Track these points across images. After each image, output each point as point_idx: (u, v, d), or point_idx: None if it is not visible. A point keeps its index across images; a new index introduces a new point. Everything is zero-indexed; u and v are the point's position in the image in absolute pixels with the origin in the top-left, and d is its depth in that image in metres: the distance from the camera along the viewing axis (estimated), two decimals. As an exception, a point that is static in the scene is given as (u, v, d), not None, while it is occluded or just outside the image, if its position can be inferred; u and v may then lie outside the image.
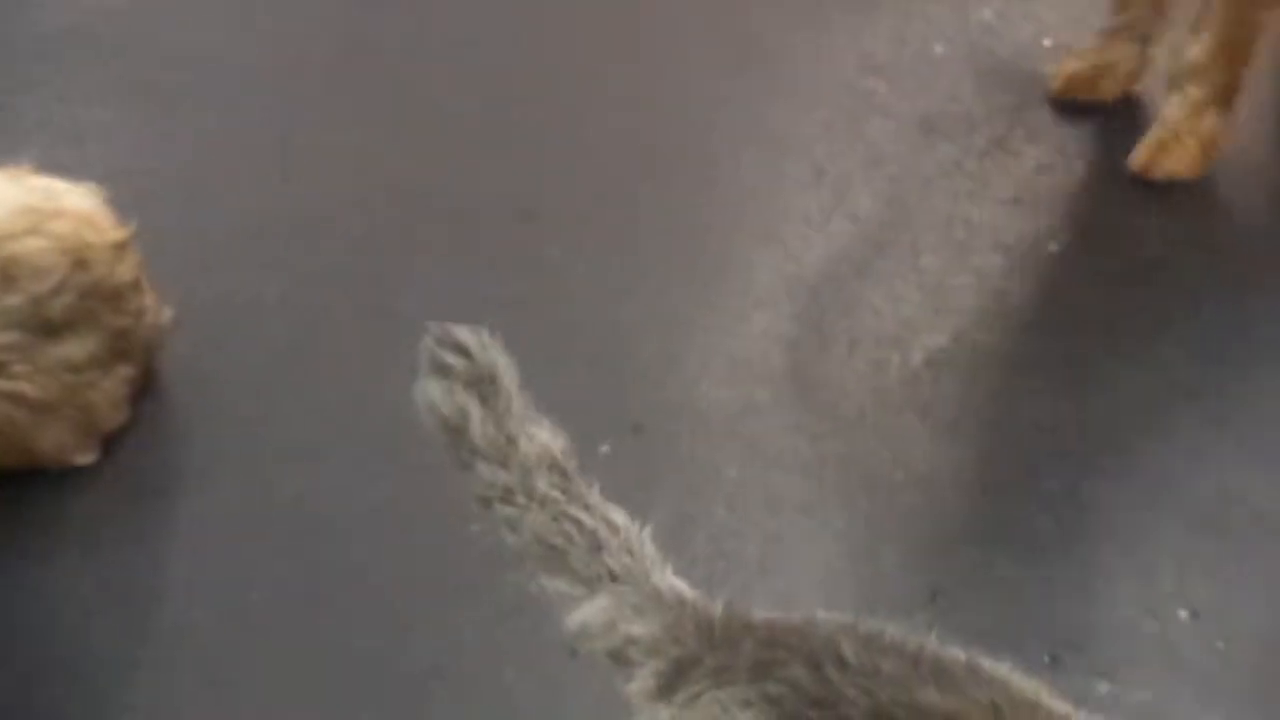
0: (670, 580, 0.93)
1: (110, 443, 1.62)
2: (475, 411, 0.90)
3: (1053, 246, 2.07)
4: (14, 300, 1.38)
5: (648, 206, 2.16)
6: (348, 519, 1.63)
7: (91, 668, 1.50)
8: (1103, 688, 1.46)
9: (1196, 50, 2.01)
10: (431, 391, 0.92)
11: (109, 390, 1.51)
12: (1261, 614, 1.60)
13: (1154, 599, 1.59)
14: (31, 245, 1.36)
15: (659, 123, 2.31)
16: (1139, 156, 2.06)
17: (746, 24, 2.49)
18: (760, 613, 0.93)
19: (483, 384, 0.91)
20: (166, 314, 1.65)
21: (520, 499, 0.91)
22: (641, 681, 0.89)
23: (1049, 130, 2.21)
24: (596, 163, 2.24)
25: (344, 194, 2.17)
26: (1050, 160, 2.18)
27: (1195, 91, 2.01)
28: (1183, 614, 1.56)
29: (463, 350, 0.92)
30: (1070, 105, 2.21)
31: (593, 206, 2.17)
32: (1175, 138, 2.04)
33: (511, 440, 0.91)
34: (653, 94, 2.36)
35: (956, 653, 0.85)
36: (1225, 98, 2.01)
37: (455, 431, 0.91)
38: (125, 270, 1.52)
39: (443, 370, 0.92)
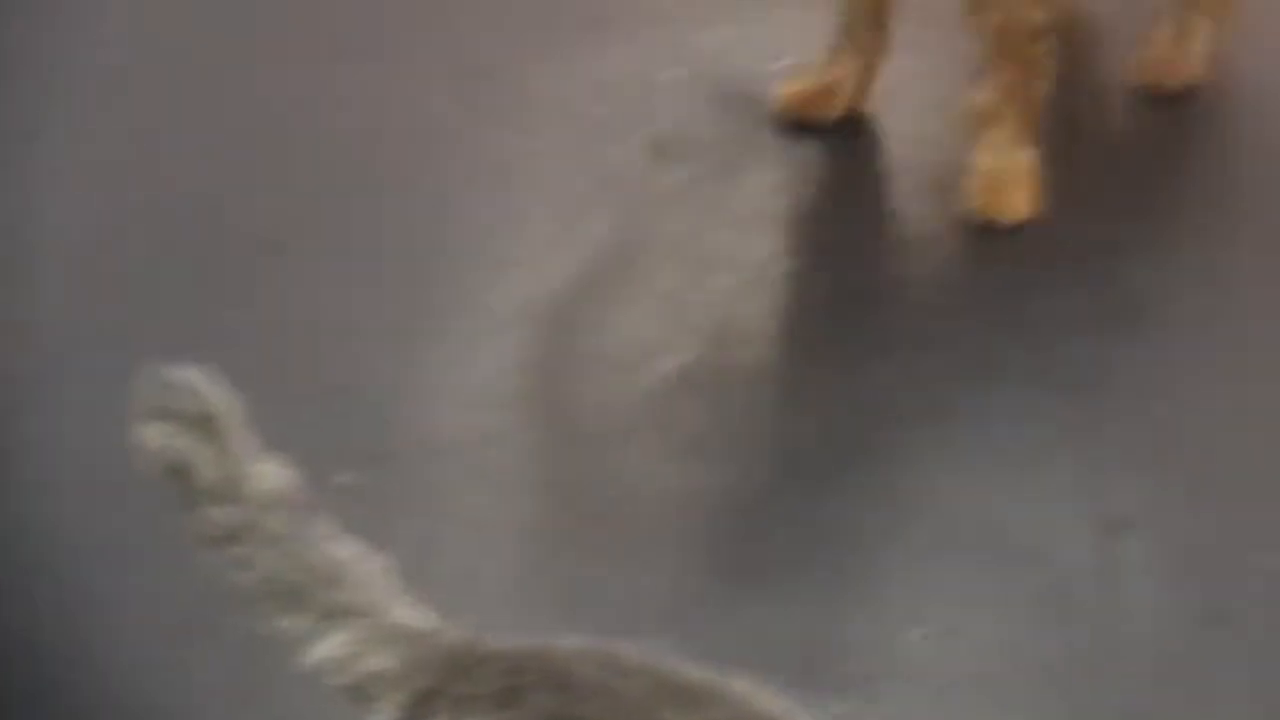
0: (410, 612, 0.91)
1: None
2: (197, 453, 0.88)
3: (786, 266, 2.14)
4: None
5: (388, 237, 2.16)
6: (79, 554, 1.64)
7: None
8: (841, 706, 1.49)
9: (985, 96, 2.08)
10: (150, 436, 0.89)
11: None
12: (992, 632, 1.67)
13: (891, 618, 1.65)
14: None
15: (395, 153, 2.32)
16: (978, 206, 2.10)
17: (476, 51, 2.49)
18: (502, 640, 0.92)
19: (204, 424, 0.89)
20: None
21: (249, 538, 0.89)
22: (383, 716, 0.87)
23: (778, 152, 2.28)
24: (337, 194, 2.23)
25: (85, 220, 2.14)
26: (779, 181, 2.25)
27: (998, 134, 2.08)
28: (919, 632, 1.61)
29: (180, 392, 0.89)
30: (797, 126, 2.28)
31: (334, 238, 2.15)
32: (1000, 183, 2.09)
33: (236, 481, 0.88)
34: (389, 124, 2.37)
35: (697, 673, 0.86)
36: (1027, 133, 2.08)
37: (179, 475, 0.89)
38: None
39: (160, 413, 0.89)
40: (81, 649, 1.55)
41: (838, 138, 2.29)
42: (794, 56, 2.36)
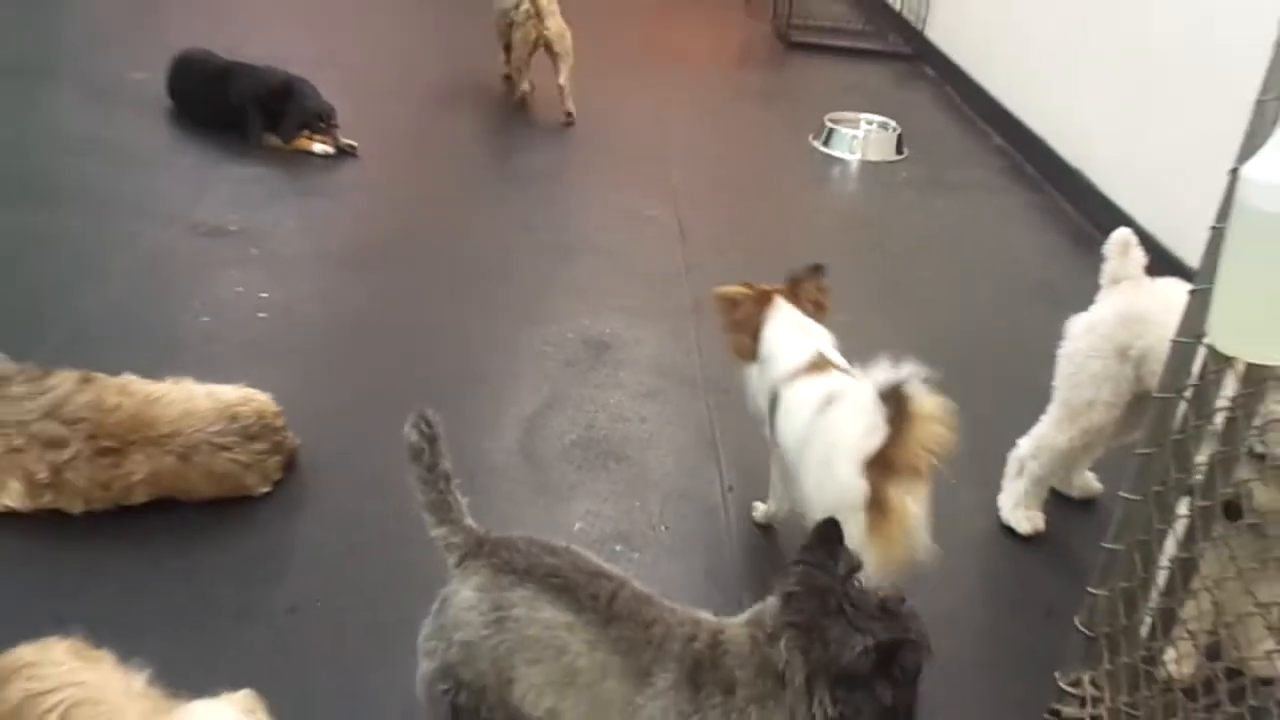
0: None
1: (274, 485, 2.67)
2: (427, 451, 1.75)
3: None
4: (239, 425, 2.57)
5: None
6: (403, 527, 2.05)
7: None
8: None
9: None
10: (410, 436, 1.73)
11: (272, 465, 2.65)
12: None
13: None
14: (245, 408, 2.55)
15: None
16: None
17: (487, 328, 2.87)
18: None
19: (433, 442, 1.75)
20: (294, 437, 2.75)
21: (429, 485, 1.77)
22: (451, 552, 1.77)
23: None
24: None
25: (395, 371, 3.19)
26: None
27: None
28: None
29: (425, 422, 1.74)
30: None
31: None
32: None
33: (432, 462, 1.76)
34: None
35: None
36: None
37: (417, 456, 1.75)
38: (277, 419, 2.67)
39: (416, 426, 1.74)
40: (402, 592, 2.18)
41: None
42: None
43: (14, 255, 3.57)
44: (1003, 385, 3.41)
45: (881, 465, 2.07)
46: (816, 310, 2.58)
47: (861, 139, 5.46)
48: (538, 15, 5.27)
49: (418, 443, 1.72)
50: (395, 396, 3.05)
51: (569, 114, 5.36)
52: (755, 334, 2.54)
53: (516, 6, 5.30)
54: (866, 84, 6.60)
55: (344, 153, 4.69)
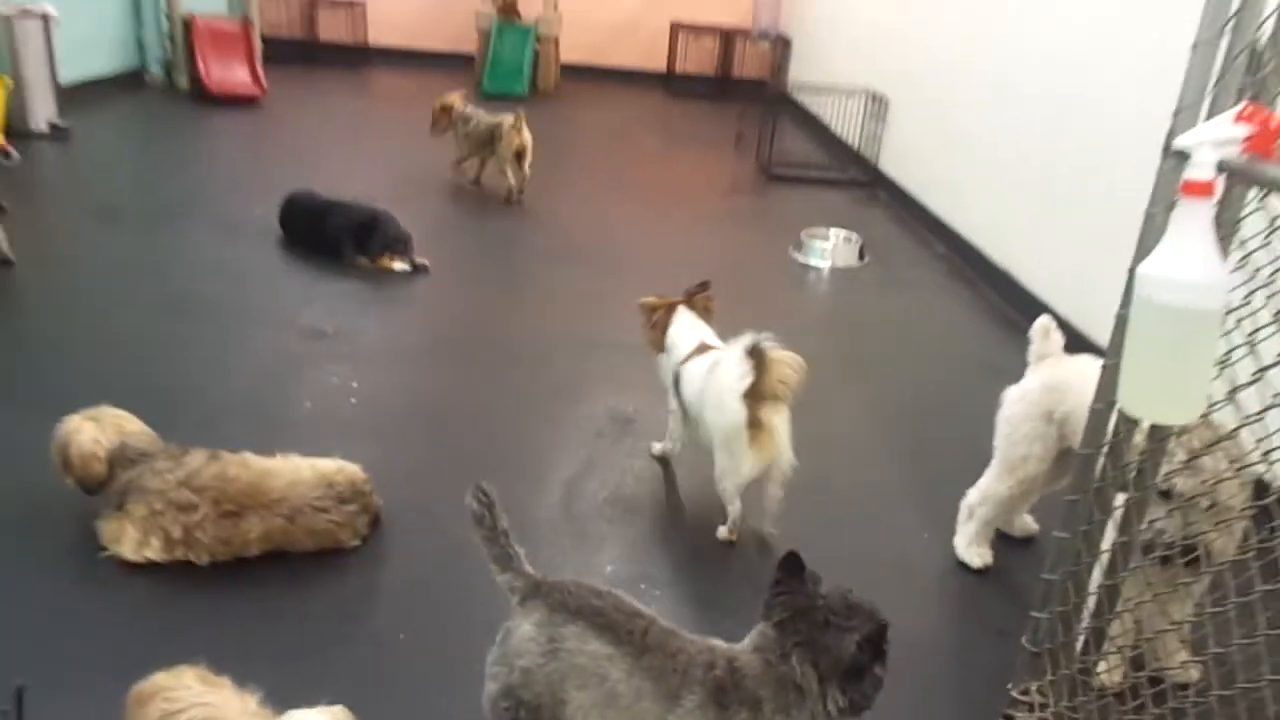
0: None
1: (363, 540, 2.64)
2: (486, 515, 1.75)
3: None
4: (335, 490, 2.55)
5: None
6: (470, 573, 2.24)
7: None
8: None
9: None
10: (471, 505, 1.76)
11: (361, 523, 2.62)
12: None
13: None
14: (339, 476, 2.52)
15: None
16: None
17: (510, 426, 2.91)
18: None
19: (490, 508, 1.74)
20: (379, 500, 2.71)
21: (492, 541, 1.77)
22: (514, 593, 1.77)
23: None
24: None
25: (460, 444, 3.22)
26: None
27: None
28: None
29: (483, 493, 1.74)
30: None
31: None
32: None
33: (492, 523, 1.77)
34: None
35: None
36: None
37: (479, 521, 1.74)
38: (365, 485, 2.63)
39: (475, 497, 1.74)
40: (473, 635, 2.12)
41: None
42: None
43: (161, 357, 3.60)
44: (953, 444, 3.38)
45: (753, 397, 2.61)
46: (706, 314, 3.05)
47: (830, 249, 5.48)
48: (517, 129, 5.93)
49: (478, 510, 1.74)
50: (461, 464, 3.05)
51: (522, 192, 6.04)
52: (664, 331, 3.00)
53: (500, 125, 5.99)
54: (833, 206, 6.65)
55: (418, 269, 4.72)
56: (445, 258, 4.88)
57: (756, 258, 5.56)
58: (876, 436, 3.47)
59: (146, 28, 8.31)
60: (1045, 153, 4.70)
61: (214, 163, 6.62)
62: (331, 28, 10.86)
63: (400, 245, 4.75)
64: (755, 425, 2.62)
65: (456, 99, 6.42)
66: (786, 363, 2.63)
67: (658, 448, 3.17)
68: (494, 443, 3.20)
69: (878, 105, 7.18)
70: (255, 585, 2.42)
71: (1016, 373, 2.68)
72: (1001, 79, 5.30)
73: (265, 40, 9.05)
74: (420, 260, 4.75)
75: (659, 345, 3.01)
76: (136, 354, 3.61)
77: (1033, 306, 4.38)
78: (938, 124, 6.19)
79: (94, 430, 2.52)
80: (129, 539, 2.42)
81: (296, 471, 2.55)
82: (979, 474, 2.74)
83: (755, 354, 2.59)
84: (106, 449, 2.50)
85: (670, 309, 3.01)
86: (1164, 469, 1.90)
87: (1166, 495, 1.91)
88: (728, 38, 11.16)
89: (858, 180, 7.32)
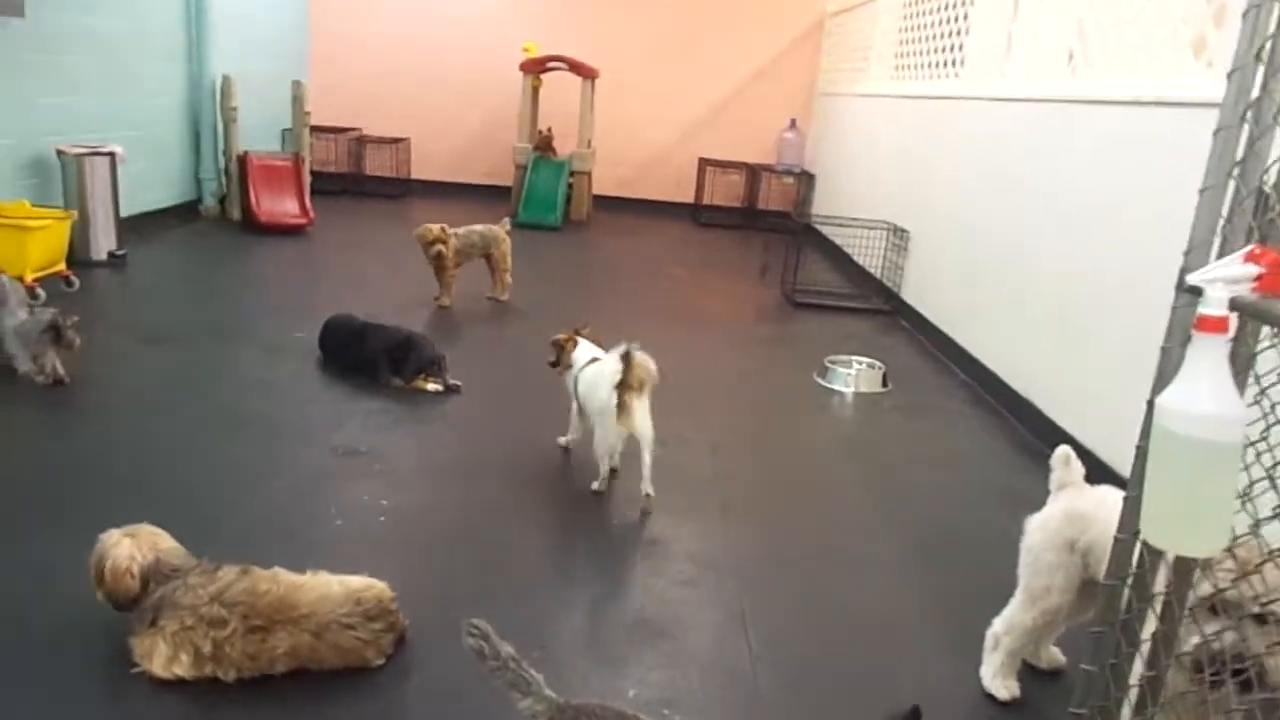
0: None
1: (388, 658, 2.62)
2: (485, 646, 1.75)
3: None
4: (362, 608, 2.54)
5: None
6: (494, 695, 2.28)
7: None
8: None
9: None
10: (468, 643, 1.74)
11: (387, 641, 2.60)
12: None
13: None
14: (368, 594, 2.52)
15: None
16: None
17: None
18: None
19: (487, 639, 1.72)
20: (405, 619, 2.68)
21: (501, 671, 1.76)
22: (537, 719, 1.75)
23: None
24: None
25: (487, 563, 3.27)
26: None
27: None
28: None
29: (474, 628, 1.75)
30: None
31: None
32: None
33: (494, 653, 1.75)
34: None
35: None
36: None
37: (480, 655, 1.75)
38: (392, 603, 2.62)
39: (468, 633, 1.74)
40: None
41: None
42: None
43: (201, 473, 3.64)
44: (977, 571, 3.31)
45: (621, 387, 3.58)
46: (596, 341, 4.07)
47: (854, 375, 5.50)
48: (505, 238, 6.59)
49: (475, 645, 1.72)
50: (487, 584, 3.01)
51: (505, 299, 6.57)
52: (569, 356, 4.03)
53: (504, 230, 6.63)
54: (856, 333, 6.71)
55: (451, 390, 4.78)
56: (477, 379, 4.94)
57: (782, 382, 5.58)
58: (899, 561, 3.41)
59: (204, 163, 8.69)
60: (1066, 284, 4.74)
61: (260, 288, 6.81)
62: (377, 163, 11.32)
63: (434, 366, 4.82)
64: (623, 407, 3.60)
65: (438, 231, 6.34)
66: (645, 365, 3.62)
67: (562, 441, 4.14)
68: (520, 563, 3.17)
69: (899, 237, 7.32)
70: (280, 704, 2.38)
71: (1038, 501, 2.64)
72: (1019, 214, 5.39)
73: (315, 174, 9.42)
74: (453, 381, 4.82)
75: (565, 367, 4.04)
76: (177, 470, 3.64)
77: (1054, 435, 4.35)
78: (958, 255, 6.28)
79: (130, 546, 2.53)
80: (160, 655, 2.40)
81: (325, 587, 2.54)
82: (1003, 602, 2.68)
83: (625, 357, 3.57)
84: (140, 565, 2.51)
85: (573, 341, 4.07)
86: (1190, 600, 1.85)
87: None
88: (753, 172, 11.49)
89: (880, 308, 7.40)
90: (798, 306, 7.38)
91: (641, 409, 3.62)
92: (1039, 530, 2.58)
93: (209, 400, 4.42)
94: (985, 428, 4.99)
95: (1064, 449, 2.65)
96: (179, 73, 8.37)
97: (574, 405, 4.02)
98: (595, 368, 3.84)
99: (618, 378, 3.56)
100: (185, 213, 8.54)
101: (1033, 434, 4.78)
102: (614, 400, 3.57)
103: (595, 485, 3.74)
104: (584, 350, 4.02)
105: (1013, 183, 5.53)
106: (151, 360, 4.94)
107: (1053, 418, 4.65)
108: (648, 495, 3.62)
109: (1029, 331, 5.09)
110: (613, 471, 3.82)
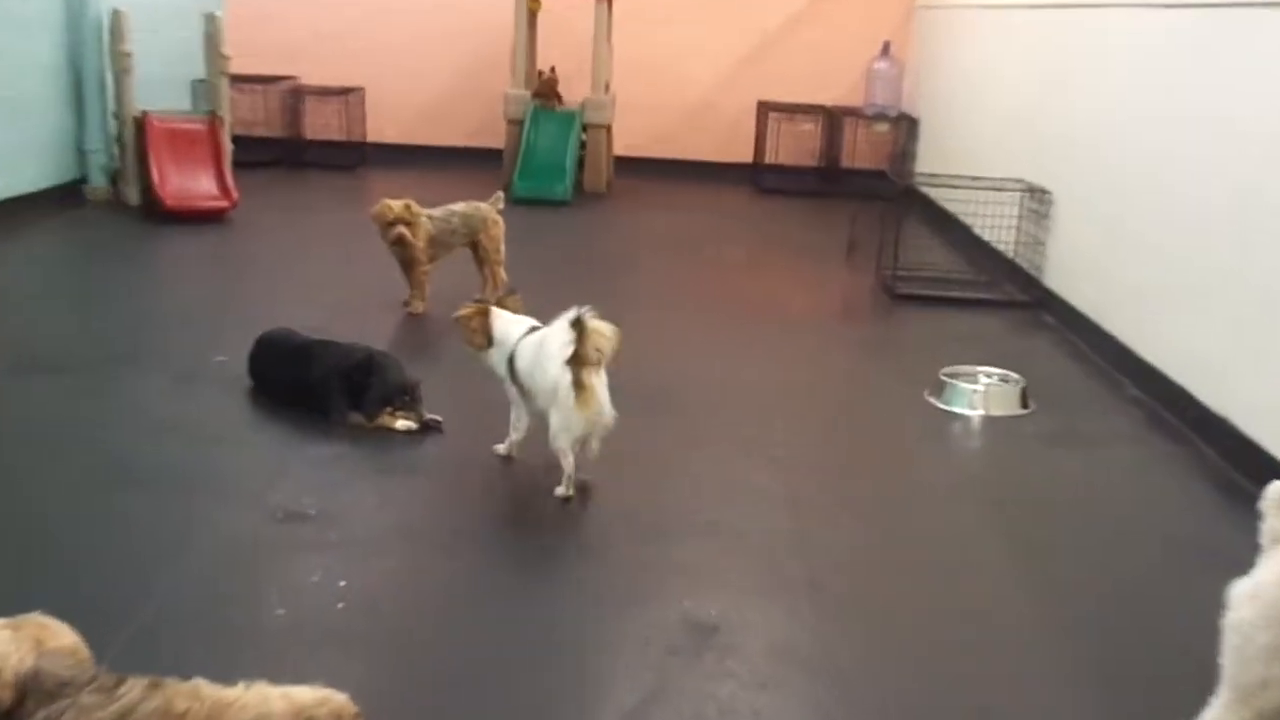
0: None
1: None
2: None
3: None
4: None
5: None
6: None
7: None
8: None
9: None
10: None
11: None
12: None
13: None
14: (321, 710, 2.47)
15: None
16: None
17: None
18: None
19: None
20: None
21: None
22: None
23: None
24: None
25: (483, 660, 3.28)
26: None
27: None
28: None
29: None
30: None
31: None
32: None
33: None
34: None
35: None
36: None
37: None
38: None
39: None
40: None
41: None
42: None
43: (94, 547, 3.68)
44: (1160, 663, 3.27)
45: (575, 361, 3.89)
46: (515, 312, 4.38)
47: (982, 394, 5.47)
48: (497, 219, 6.83)
49: None
50: (484, 688, 3.02)
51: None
52: (486, 332, 4.30)
53: (495, 208, 6.84)
54: (982, 334, 6.68)
55: (428, 428, 4.78)
56: (463, 412, 4.95)
57: (880, 404, 5.56)
58: (1053, 651, 3.37)
59: (89, 130, 8.81)
60: (1274, 252, 4.68)
61: (168, 296, 6.90)
62: (320, 122, 11.39)
63: (404, 397, 4.83)
64: (579, 386, 3.89)
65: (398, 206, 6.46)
66: (602, 332, 3.88)
67: (501, 448, 4.43)
68: (529, 660, 3.18)
69: (1039, 201, 7.27)
70: None
71: (1245, 560, 2.60)
72: (1214, 165, 5.33)
73: (237, 141, 9.52)
74: (431, 416, 4.83)
75: (482, 344, 4.32)
76: (63, 543, 3.69)
77: (1264, 467, 4.28)
78: (1122, 222, 6.23)
79: (7, 642, 2.56)
80: (42, 804, 2.42)
81: (264, 704, 2.54)
82: (1200, 703, 2.64)
83: (577, 325, 3.85)
84: (15, 672, 2.53)
85: (484, 314, 4.31)
86: None
87: None
88: (833, 119, 11.46)
89: (1015, 299, 7.35)
90: (899, 299, 7.35)
91: (601, 387, 3.97)
92: (1250, 602, 2.53)
93: (102, 448, 4.47)
94: (1165, 459, 4.94)
95: (1278, 486, 2.61)
96: (52, 7, 8.51)
97: (510, 391, 4.32)
98: (535, 339, 4.14)
99: (569, 350, 3.87)
100: (65, 197, 8.65)
101: (1231, 465, 4.72)
102: (567, 377, 3.90)
103: (560, 490, 4.06)
104: (510, 321, 4.32)
105: (1204, 121, 5.47)
106: (22, 396, 5.01)
107: (1260, 442, 4.58)
108: (587, 480, 4.16)
109: (1226, 324, 5.02)
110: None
